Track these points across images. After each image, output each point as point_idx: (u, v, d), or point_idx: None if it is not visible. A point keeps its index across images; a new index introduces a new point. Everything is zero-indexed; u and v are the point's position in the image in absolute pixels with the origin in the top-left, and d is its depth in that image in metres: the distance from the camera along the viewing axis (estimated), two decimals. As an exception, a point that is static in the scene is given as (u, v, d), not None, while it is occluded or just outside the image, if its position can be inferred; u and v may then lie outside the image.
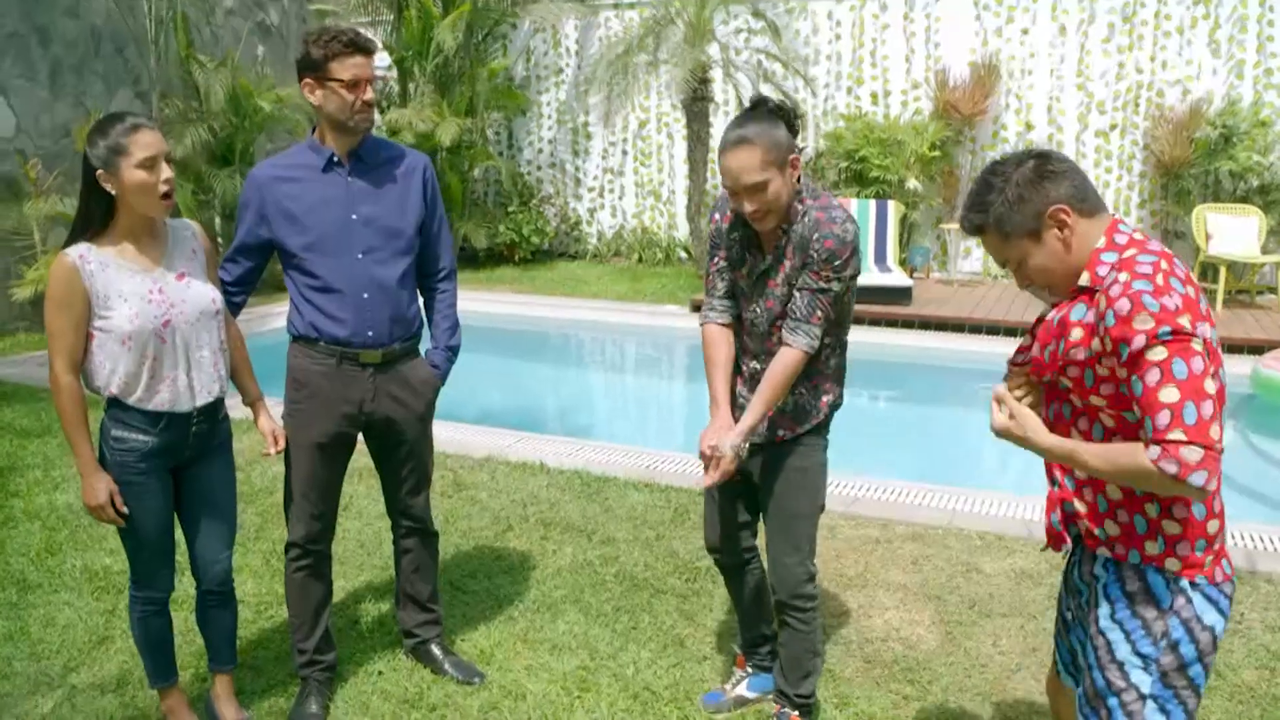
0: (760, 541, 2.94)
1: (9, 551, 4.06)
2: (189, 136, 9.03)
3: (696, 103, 9.63)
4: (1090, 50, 9.69)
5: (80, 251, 2.47)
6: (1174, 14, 9.40)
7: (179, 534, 2.76)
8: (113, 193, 2.45)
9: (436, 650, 3.21)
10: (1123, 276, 1.77)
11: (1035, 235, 1.87)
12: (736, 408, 2.71)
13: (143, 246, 2.55)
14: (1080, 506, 1.96)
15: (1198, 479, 1.67)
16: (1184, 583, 1.84)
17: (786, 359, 2.56)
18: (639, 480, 4.83)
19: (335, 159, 2.81)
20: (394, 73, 11.19)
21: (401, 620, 3.26)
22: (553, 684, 3.12)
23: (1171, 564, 1.84)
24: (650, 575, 3.87)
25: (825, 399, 2.72)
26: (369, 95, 2.74)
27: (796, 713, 2.86)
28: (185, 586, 3.24)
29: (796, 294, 2.56)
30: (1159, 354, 1.68)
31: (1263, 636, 3.38)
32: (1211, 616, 1.85)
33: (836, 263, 2.52)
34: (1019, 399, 2.02)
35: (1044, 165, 1.86)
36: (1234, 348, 7.33)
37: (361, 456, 3.18)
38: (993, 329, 8.06)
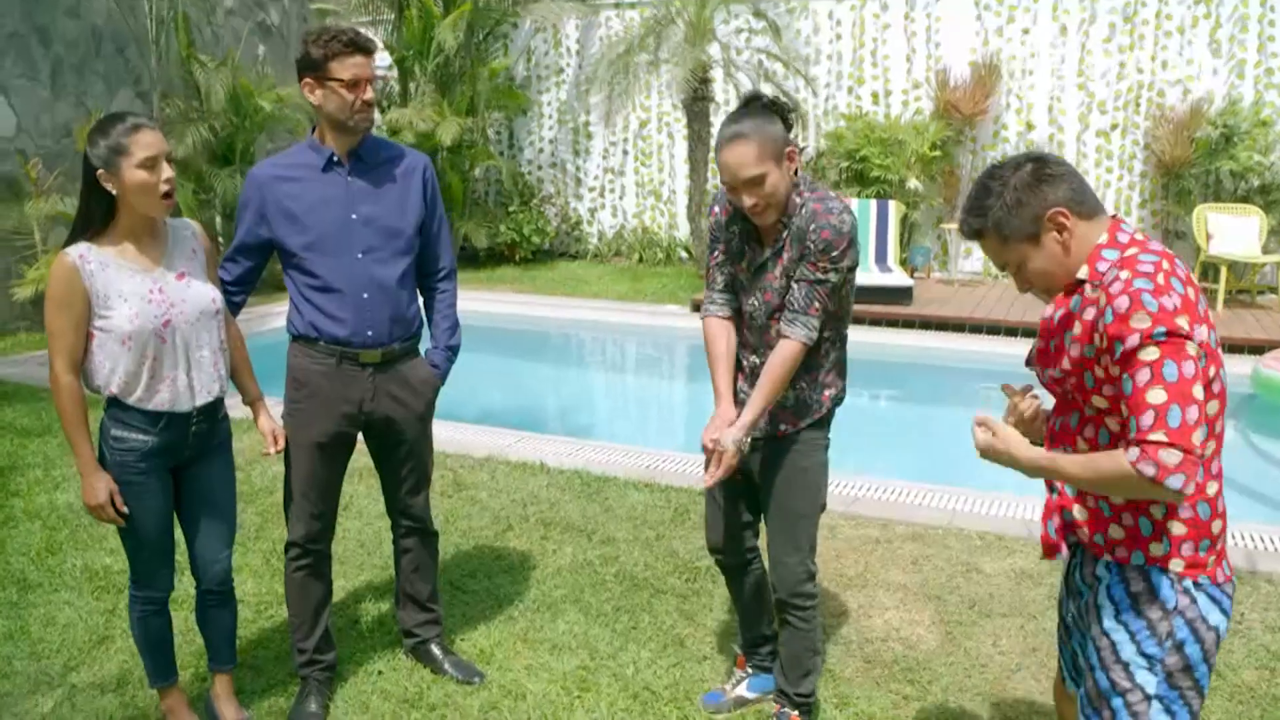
0: (761, 541, 2.94)
1: (9, 551, 4.06)
2: (190, 136, 9.03)
3: (697, 102, 9.63)
4: (1091, 50, 9.68)
5: (80, 251, 2.47)
6: (1175, 13, 9.39)
7: (179, 534, 2.76)
8: (113, 192, 2.45)
9: (436, 650, 3.21)
10: (1124, 274, 1.77)
11: (1034, 238, 1.87)
12: (737, 403, 2.71)
13: (143, 246, 2.55)
14: (1081, 514, 1.95)
15: (1175, 482, 1.67)
16: (1188, 583, 1.84)
17: (784, 351, 2.56)
18: (639, 480, 4.83)
19: (335, 159, 2.81)
20: (395, 72, 11.19)
21: (401, 620, 3.26)
22: (553, 684, 3.12)
23: (1175, 564, 1.84)
24: (650, 575, 3.87)
25: (827, 393, 2.71)
26: (369, 95, 2.74)
27: (796, 712, 2.86)
28: (185, 586, 3.24)
29: (794, 285, 2.57)
30: (1151, 354, 1.69)
31: (1263, 637, 3.38)
32: (1215, 616, 1.86)
33: (834, 253, 2.52)
34: (1024, 413, 2.04)
35: (1041, 169, 1.87)
36: (1235, 347, 7.32)
37: (361, 456, 3.18)
38: (993, 329, 8.06)
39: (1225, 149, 8.94)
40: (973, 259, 10.22)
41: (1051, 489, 2.03)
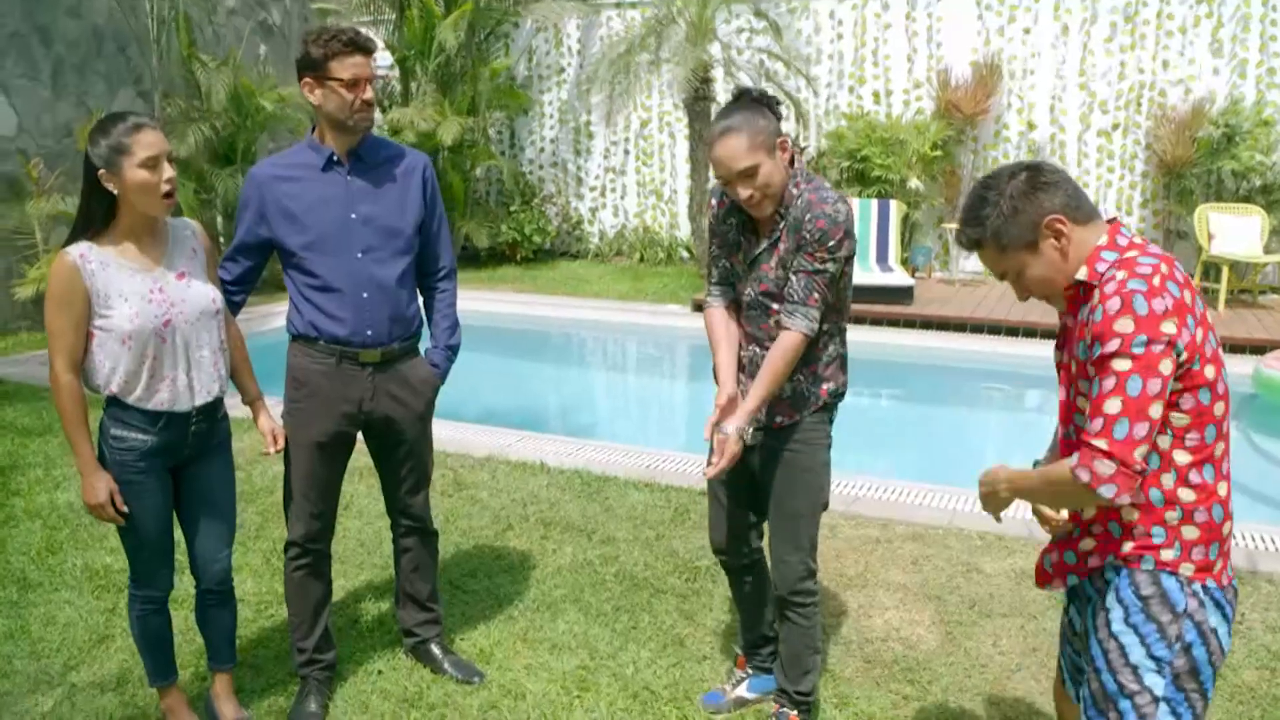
0: (763, 541, 2.94)
1: (10, 550, 4.07)
2: (191, 136, 9.03)
3: (698, 102, 9.62)
4: (1092, 50, 9.68)
5: (81, 250, 2.47)
6: (1176, 13, 9.39)
7: (179, 533, 2.76)
8: (115, 192, 2.45)
9: (436, 649, 3.21)
10: (1120, 274, 1.78)
11: (1032, 246, 1.88)
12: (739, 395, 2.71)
13: (143, 246, 2.55)
14: (1090, 543, 1.97)
15: (1106, 491, 1.74)
16: (1196, 586, 1.85)
17: (785, 342, 2.56)
18: (639, 480, 4.83)
19: (335, 158, 2.81)
20: (396, 72, 11.20)
21: (401, 619, 3.26)
22: (552, 683, 3.12)
23: (1186, 569, 1.85)
24: (650, 575, 3.87)
25: (825, 386, 2.71)
26: (368, 94, 2.74)
27: (796, 712, 2.85)
28: (185, 585, 3.24)
29: (792, 277, 2.57)
30: (1123, 365, 1.72)
31: (1263, 637, 3.38)
32: (1221, 619, 1.87)
33: (830, 243, 2.53)
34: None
35: (1037, 176, 1.88)
36: (1236, 348, 7.32)
37: (362, 455, 3.18)
38: (994, 329, 8.05)
39: (1227, 149, 8.93)
40: (974, 259, 10.20)
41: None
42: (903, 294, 8.57)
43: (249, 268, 2.93)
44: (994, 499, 2.06)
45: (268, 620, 3.51)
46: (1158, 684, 1.85)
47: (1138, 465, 1.73)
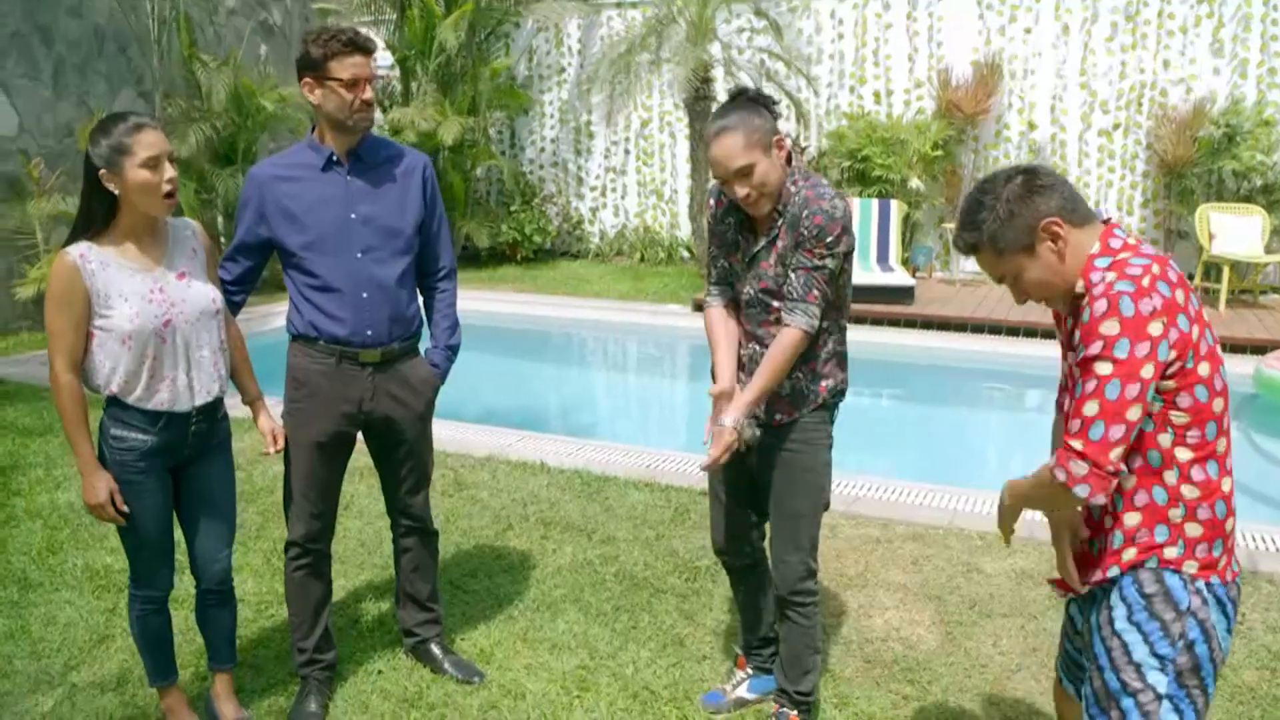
0: (765, 541, 2.94)
1: (11, 550, 4.07)
2: (192, 136, 9.03)
3: (699, 102, 9.62)
4: (1093, 49, 9.67)
5: (81, 250, 2.47)
6: (1177, 13, 9.38)
7: (179, 533, 2.76)
8: (115, 192, 2.45)
9: (436, 649, 3.21)
10: (1110, 277, 1.80)
11: (1029, 249, 1.90)
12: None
13: (144, 246, 2.55)
14: (1098, 545, 1.99)
15: (1080, 491, 1.79)
16: (1200, 584, 1.86)
17: (785, 338, 2.56)
18: (639, 480, 4.83)
19: (334, 158, 2.81)
20: (397, 72, 11.20)
21: (401, 619, 3.26)
22: (552, 683, 3.12)
23: (1190, 566, 1.86)
24: (650, 575, 3.87)
25: (824, 383, 2.71)
26: (368, 94, 2.74)
27: (796, 712, 2.85)
28: (185, 585, 3.24)
29: (792, 274, 2.57)
30: (1104, 369, 1.75)
31: (1264, 637, 3.38)
32: (1222, 616, 1.88)
33: (828, 239, 2.53)
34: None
35: (1032, 180, 1.90)
36: (1237, 347, 7.31)
37: (362, 455, 3.18)
38: (995, 329, 8.05)
39: (1228, 148, 8.92)
40: (974, 260, 10.19)
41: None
42: (903, 294, 8.57)
43: (249, 268, 2.93)
44: (1001, 512, 2.08)
45: (268, 620, 3.51)
46: (1160, 681, 1.85)
47: (1111, 467, 1.77)
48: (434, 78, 10.70)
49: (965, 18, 10.01)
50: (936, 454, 6.25)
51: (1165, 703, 1.85)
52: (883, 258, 9.28)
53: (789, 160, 2.60)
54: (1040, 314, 7.92)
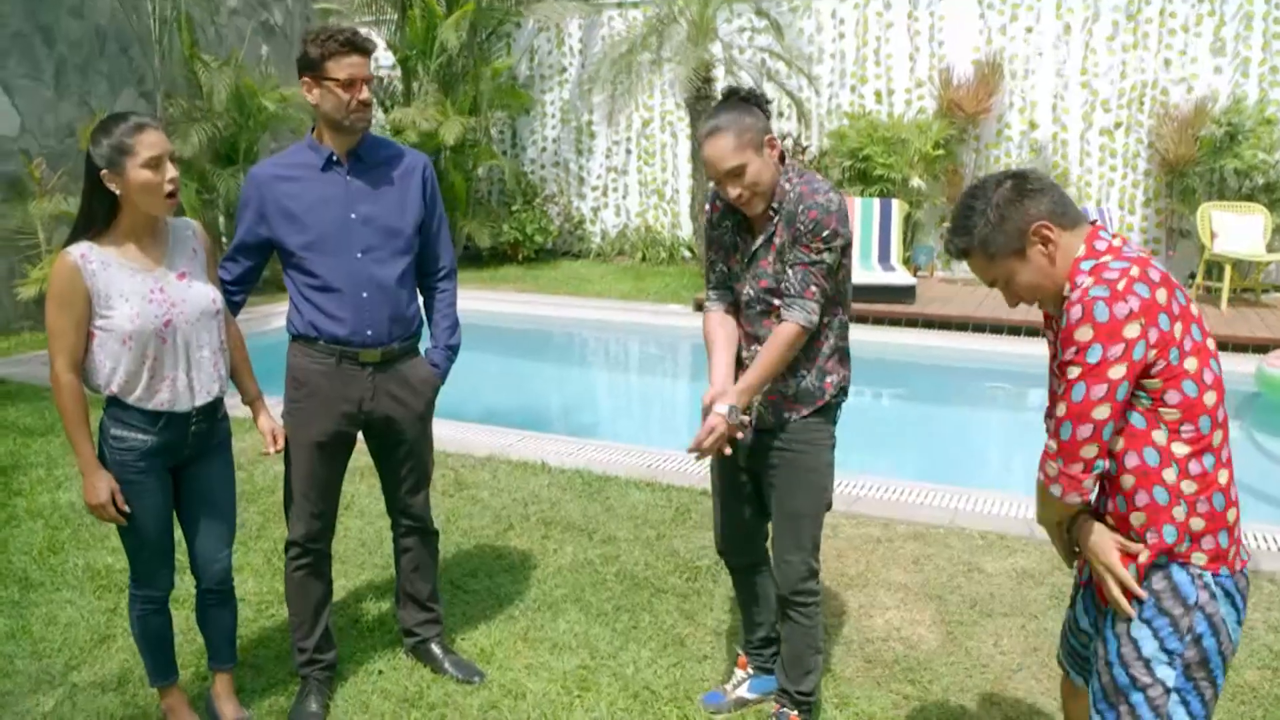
0: (767, 541, 2.94)
1: (12, 550, 4.07)
2: (193, 136, 9.03)
3: (700, 101, 9.61)
4: (1095, 48, 9.66)
5: (82, 250, 2.47)
6: (1179, 11, 9.37)
7: (179, 533, 2.76)
8: (117, 192, 2.45)
9: (436, 649, 3.21)
10: (1087, 282, 1.83)
11: (1020, 253, 1.93)
12: None
13: (144, 246, 2.55)
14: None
15: (1055, 490, 1.89)
16: (1208, 577, 1.88)
17: (782, 333, 2.56)
18: (640, 479, 4.83)
19: (334, 158, 2.82)
20: (398, 72, 11.20)
21: (402, 619, 3.26)
22: (553, 683, 3.12)
23: (1198, 558, 1.88)
24: (651, 574, 3.87)
25: (829, 379, 2.71)
26: (364, 95, 2.73)
27: (796, 712, 2.85)
28: (186, 585, 3.24)
29: (789, 270, 2.57)
30: (1073, 372, 1.81)
31: (1265, 637, 3.37)
32: (1231, 608, 1.90)
33: (825, 233, 2.53)
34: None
35: (1023, 184, 1.93)
36: (1239, 346, 7.31)
37: (363, 455, 3.18)
38: (996, 328, 8.05)
39: (1230, 147, 8.91)
40: (976, 258, 10.18)
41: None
42: (905, 293, 8.57)
43: (249, 268, 2.93)
44: (1049, 532, 2.10)
45: (268, 620, 3.52)
46: (1169, 676, 1.87)
47: (1080, 465, 1.85)
48: (435, 78, 10.70)
49: (966, 17, 10.00)
50: (938, 453, 6.25)
51: (1173, 696, 1.87)
52: (884, 257, 9.28)
53: (782, 159, 2.60)
54: (1041, 314, 7.90)
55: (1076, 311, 1.80)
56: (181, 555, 2.84)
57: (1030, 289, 1.96)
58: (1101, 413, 1.80)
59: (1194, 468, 1.86)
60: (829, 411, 2.74)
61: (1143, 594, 1.90)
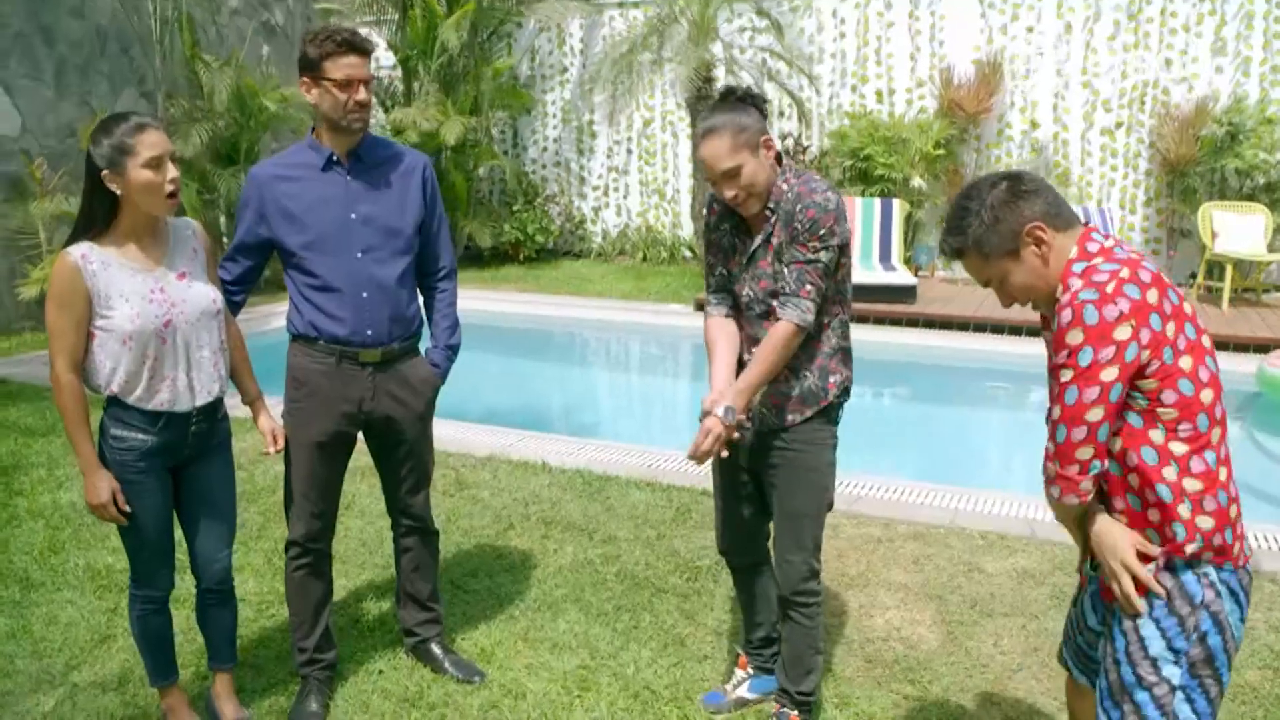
0: (768, 541, 2.94)
1: (13, 549, 4.08)
2: (194, 136, 9.05)
3: (701, 101, 9.61)
4: (1096, 48, 9.66)
5: (82, 251, 2.47)
6: (1180, 11, 9.36)
7: (179, 533, 2.76)
8: (118, 192, 2.45)
9: (437, 649, 3.21)
10: (1077, 285, 1.84)
11: (1014, 254, 1.95)
12: None
13: (145, 246, 2.55)
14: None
15: (1053, 491, 1.93)
16: (1213, 574, 1.89)
17: (778, 332, 2.55)
18: (641, 479, 4.83)
19: (334, 158, 2.82)
20: (399, 72, 11.21)
21: (402, 619, 3.26)
22: (553, 683, 3.12)
23: (1206, 556, 1.88)
24: (651, 574, 3.87)
25: (832, 379, 2.71)
26: (362, 95, 2.73)
27: (796, 712, 2.85)
28: (186, 585, 3.24)
29: (786, 269, 2.57)
30: (1065, 376, 1.83)
31: (1266, 637, 3.37)
32: (1235, 605, 1.91)
33: (821, 231, 2.53)
34: None
35: (1017, 185, 1.95)
36: (1240, 346, 7.31)
37: (363, 455, 3.18)
38: (997, 328, 8.04)
39: (1231, 147, 8.91)
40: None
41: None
42: (906, 293, 8.56)
43: (249, 268, 2.93)
44: (1059, 520, 2.09)
45: (269, 620, 3.52)
46: (1175, 674, 1.88)
47: (1076, 467, 1.87)
48: (436, 78, 10.71)
49: (967, 16, 10.00)
50: (938, 453, 6.25)
51: (1179, 694, 1.88)
52: (885, 257, 9.28)
53: (779, 160, 2.60)
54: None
55: (1067, 315, 1.81)
56: (181, 555, 2.84)
57: (1024, 290, 1.97)
58: (1095, 415, 1.82)
59: (1196, 465, 1.86)
60: (831, 412, 2.74)
61: (1159, 589, 1.89)
